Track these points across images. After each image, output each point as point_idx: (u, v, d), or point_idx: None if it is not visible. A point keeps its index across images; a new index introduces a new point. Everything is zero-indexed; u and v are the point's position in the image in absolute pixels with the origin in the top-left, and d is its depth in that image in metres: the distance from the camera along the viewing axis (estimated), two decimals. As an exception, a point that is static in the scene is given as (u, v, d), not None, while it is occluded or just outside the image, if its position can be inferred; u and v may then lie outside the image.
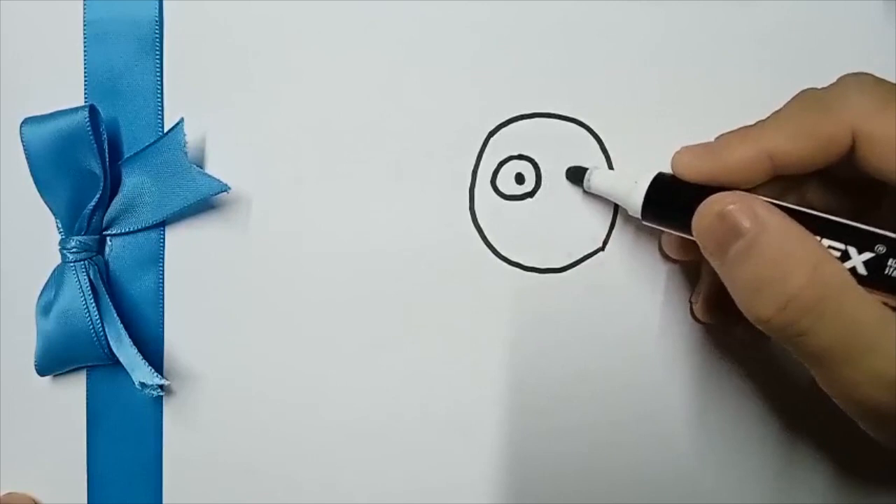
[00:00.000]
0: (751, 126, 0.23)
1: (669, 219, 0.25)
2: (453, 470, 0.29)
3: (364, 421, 0.29)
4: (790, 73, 0.29)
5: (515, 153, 0.29)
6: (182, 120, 0.27)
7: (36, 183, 0.27)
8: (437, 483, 0.29)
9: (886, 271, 0.21)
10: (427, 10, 0.29)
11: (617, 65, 0.29)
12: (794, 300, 0.20)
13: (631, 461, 0.29)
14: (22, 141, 0.27)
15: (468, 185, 0.29)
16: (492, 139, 0.29)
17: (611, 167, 0.29)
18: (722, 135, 0.24)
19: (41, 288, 0.28)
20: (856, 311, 0.20)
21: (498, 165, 0.29)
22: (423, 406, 0.29)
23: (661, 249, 0.28)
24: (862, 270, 0.21)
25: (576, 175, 0.28)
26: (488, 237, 0.28)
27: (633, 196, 0.25)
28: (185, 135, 0.27)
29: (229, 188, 0.27)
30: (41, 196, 0.28)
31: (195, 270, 0.29)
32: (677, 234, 0.25)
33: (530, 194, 0.29)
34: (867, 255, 0.21)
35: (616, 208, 0.28)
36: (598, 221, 0.29)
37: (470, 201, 0.29)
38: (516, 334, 0.28)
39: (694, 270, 0.28)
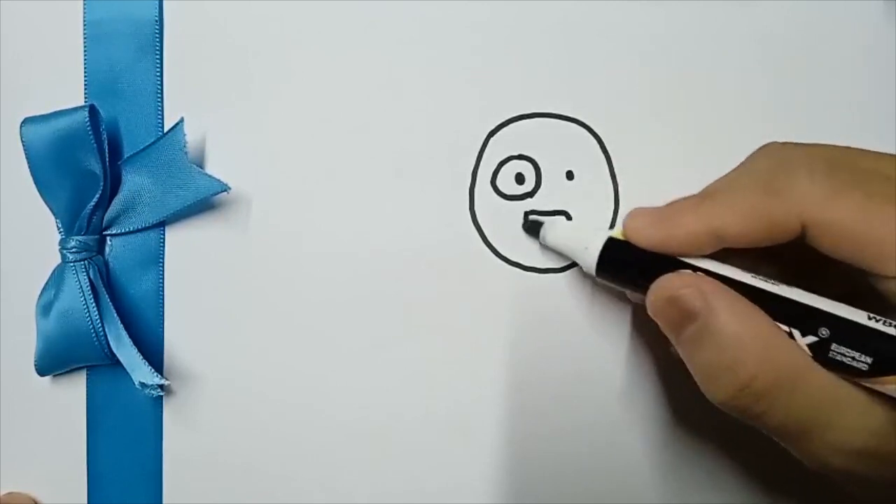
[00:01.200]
0: (703, 197, 0.23)
1: (623, 280, 0.25)
2: (453, 470, 0.29)
3: (364, 421, 0.29)
4: (790, 73, 0.29)
5: (515, 153, 0.29)
6: (182, 120, 0.27)
7: (36, 183, 0.27)
8: (436, 483, 0.29)
9: (830, 355, 0.21)
10: (427, 10, 0.29)
11: (617, 65, 0.29)
12: (746, 387, 0.20)
13: (631, 461, 0.29)
14: (22, 141, 0.27)
15: (468, 185, 0.29)
16: (492, 139, 0.29)
17: (611, 167, 0.29)
18: (675, 202, 0.24)
19: (41, 288, 0.28)
20: (810, 391, 0.20)
21: (498, 165, 0.29)
22: (423, 406, 0.29)
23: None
24: (807, 353, 0.21)
25: (532, 228, 0.28)
26: (488, 237, 0.28)
27: (587, 257, 0.25)
28: (185, 135, 0.27)
29: (229, 188, 0.27)
30: (41, 196, 0.28)
31: (195, 270, 0.29)
32: (632, 293, 0.25)
33: (530, 194, 0.29)
34: (811, 339, 0.21)
35: (616, 208, 0.28)
36: (598, 221, 0.29)
37: (470, 201, 0.29)
38: (516, 334, 0.28)
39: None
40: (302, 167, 0.29)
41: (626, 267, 0.24)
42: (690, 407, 0.29)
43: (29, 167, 0.27)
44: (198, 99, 0.29)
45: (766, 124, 0.29)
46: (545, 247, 0.28)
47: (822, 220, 0.21)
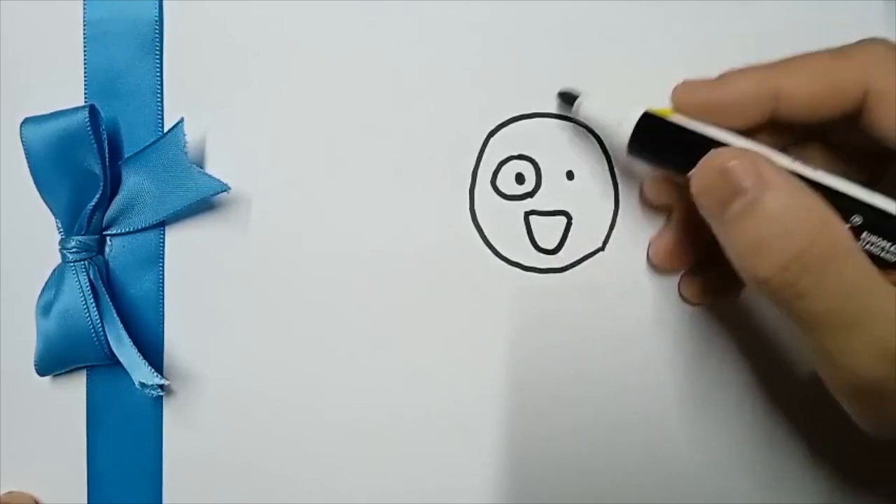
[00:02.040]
0: (763, 65, 0.22)
1: (656, 159, 0.24)
2: (453, 470, 0.29)
3: (364, 421, 0.29)
4: (790, 73, 0.29)
5: (515, 153, 0.29)
6: (182, 120, 0.27)
7: (36, 183, 0.27)
8: (436, 483, 0.29)
9: (861, 244, 0.20)
10: (427, 10, 0.29)
11: (617, 65, 0.29)
12: (797, 259, 0.19)
13: (631, 461, 0.29)
14: (22, 141, 0.27)
15: (468, 185, 0.29)
16: (492, 139, 0.29)
17: (611, 167, 0.29)
18: (728, 71, 0.23)
19: (41, 288, 0.28)
20: (859, 277, 0.19)
21: (498, 165, 0.29)
22: (423, 406, 0.29)
23: (641, 195, 0.28)
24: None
25: (566, 99, 0.27)
26: (488, 237, 0.28)
27: (619, 134, 0.24)
28: (185, 135, 0.27)
29: (229, 188, 0.27)
30: (41, 196, 0.28)
31: (195, 270, 0.29)
32: (662, 173, 0.24)
33: (530, 194, 0.29)
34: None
35: (616, 208, 0.28)
36: (598, 221, 0.29)
37: (470, 201, 0.29)
38: (516, 334, 0.28)
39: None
40: (302, 167, 0.29)
41: (662, 144, 0.23)
42: (691, 406, 0.29)
43: (29, 167, 0.27)
44: (198, 99, 0.29)
45: (766, 124, 0.29)
46: (576, 120, 0.27)
47: (885, 89, 0.20)
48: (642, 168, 0.28)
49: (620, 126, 0.24)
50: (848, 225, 0.20)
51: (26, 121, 0.27)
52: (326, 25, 0.29)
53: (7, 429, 0.29)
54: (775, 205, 0.20)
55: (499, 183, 0.29)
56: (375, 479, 0.29)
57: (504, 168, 0.29)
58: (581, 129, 0.29)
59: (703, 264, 0.27)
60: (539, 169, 0.29)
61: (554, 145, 0.29)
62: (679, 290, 0.28)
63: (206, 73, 0.29)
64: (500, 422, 0.28)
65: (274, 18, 0.29)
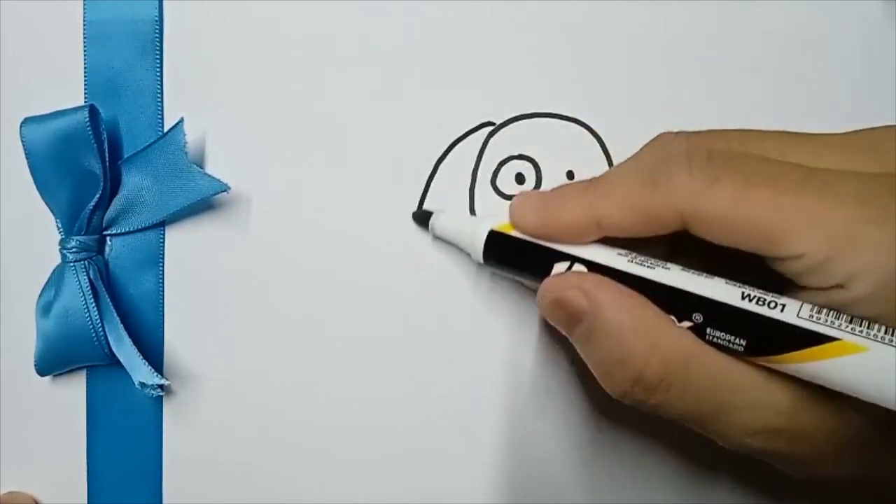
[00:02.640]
0: (588, 185, 0.23)
1: (510, 270, 0.25)
2: (453, 470, 0.28)
3: (364, 421, 0.29)
4: (790, 73, 0.29)
5: (515, 153, 0.29)
6: (182, 120, 0.27)
7: (36, 183, 0.27)
8: (436, 483, 0.29)
9: (707, 338, 0.21)
10: (427, 10, 0.29)
11: (617, 65, 0.29)
12: (637, 381, 0.20)
13: (630, 460, 0.29)
14: (22, 141, 0.27)
15: (468, 185, 0.29)
16: (492, 139, 0.29)
17: (611, 167, 0.29)
18: (562, 187, 0.24)
19: (41, 288, 0.28)
20: (703, 376, 0.20)
21: (498, 165, 0.29)
22: (423, 407, 0.29)
23: None
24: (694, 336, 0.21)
25: (421, 219, 0.28)
26: (488, 237, 0.28)
27: (474, 249, 0.25)
28: (185, 135, 0.27)
29: (229, 188, 0.27)
30: (41, 196, 0.28)
31: (195, 270, 0.29)
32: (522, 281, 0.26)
33: (530, 194, 0.29)
34: (686, 324, 0.21)
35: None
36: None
37: (470, 201, 0.29)
38: (516, 334, 0.28)
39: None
40: (302, 167, 0.29)
41: (510, 257, 0.25)
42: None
43: (29, 167, 0.27)
44: (198, 99, 0.29)
45: (766, 123, 0.28)
46: (436, 237, 0.28)
47: (701, 211, 0.20)
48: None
49: (473, 244, 0.25)
50: (690, 323, 0.21)
51: (26, 121, 0.27)
52: (326, 25, 0.29)
53: (7, 429, 0.29)
54: (609, 329, 0.21)
55: (499, 183, 0.29)
56: (375, 479, 0.29)
57: (504, 168, 0.29)
58: (581, 128, 0.29)
59: None
60: (539, 169, 0.29)
61: (554, 145, 0.29)
62: None
63: (206, 73, 0.29)
64: (500, 422, 0.28)
65: (274, 18, 0.29)
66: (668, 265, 0.22)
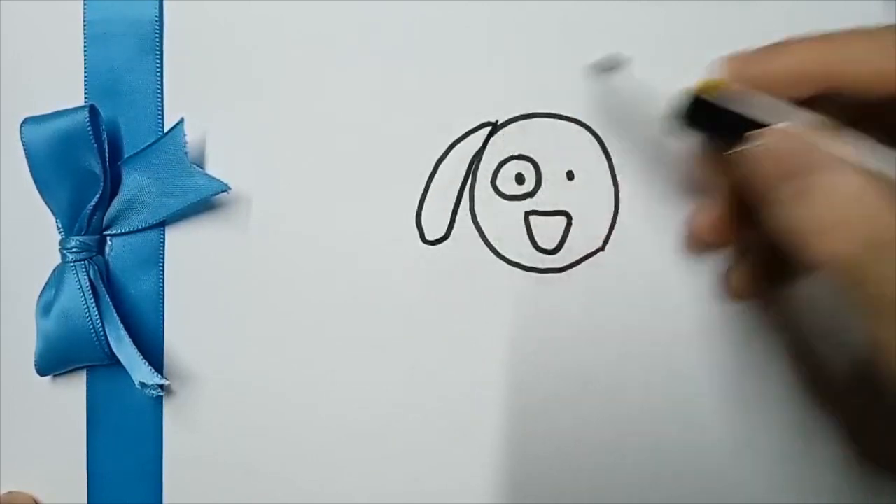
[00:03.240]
0: (819, 37, 0.22)
1: (704, 129, 0.23)
2: (453, 470, 0.28)
3: (364, 421, 0.29)
4: (790, 73, 0.29)
5: (515, 153, 0.29)
6: (182, 120, 0.27)
7: (36, 183, 0.27)
8: (437, 483, 0.29)
9: None
10: (427, 11, 0.29)
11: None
12: (866, 242, 0.19)
13: (630, 460, 0.29)
14: (22, 141, 0.27)
15: (468, 185, 0.29)
16: (492, 139, 0.29)
17: (611, 167, 0.29)
18: (782, 40, 0.22)
19: (41, 288, 0.28)
20: None
21: (498, 165, 0.29)
22: (423, 406, 0.29)
23: (688, 241, 0.28)
24: None
25: (605, 66, 0.26)
26: (488, 237, 0.28)
27: (666, 103, 0.23)
28: (185, 135, 0.27)
29: (229, 188, 0.27)
30: (41, 196, 0.28)
31: (195, 270, 0.29)
32: (706, 148, 0.23)
33: (530, 194, 0.29)
34: None
35: (616, 208, 0.28)
36: (598, 221, 0.29)
37: (470, 201, 0.29)
38: (516, 334, 0.28)
39: (694, 270, 0.28)
40: (302, 167, 0.29)
41: (713, 117, 0.22)
42: (690, 405, 0.29)
43: (29, 167, 0.27)
44: (198, 99, 0.29)
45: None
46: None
47: None
48: (643, 168, 0.28)
49: (666, 97, 0.23)
50: None
51: (26, 121, 0.27)
52: (326, 26, 0.29)
53: (7, 429, 0.29)
54: (835, 186, 0.19)
55: (499, 183, 0.29)
56: (375, 479, 0.29)
57: (504, 168, 0.29)
58: (581, 128, 0.29)
59: (747, 251, 0.26)
60: (539, 169, 0.29)
61: (554, 145, 0.29)
62: (726, 283, 0.28)
63: (206, 73, 0.29)
64: (499, 422, 0.28)
65: (274, 18, 0.29)
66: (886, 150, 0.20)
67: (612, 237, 0.28)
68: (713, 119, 0.23)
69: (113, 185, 0.28)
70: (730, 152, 0.22)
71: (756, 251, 0.26)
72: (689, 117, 0.23)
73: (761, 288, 0.27)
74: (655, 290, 0.28)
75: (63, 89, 0.29)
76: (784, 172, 0.20)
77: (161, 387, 0.27)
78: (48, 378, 0.29)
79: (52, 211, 0.28)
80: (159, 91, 0.29)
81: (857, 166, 0.19)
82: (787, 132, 0.20)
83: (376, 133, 0.29)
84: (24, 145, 0.27)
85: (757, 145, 0.21)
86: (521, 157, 0.29)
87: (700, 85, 0.23)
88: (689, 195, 0.28)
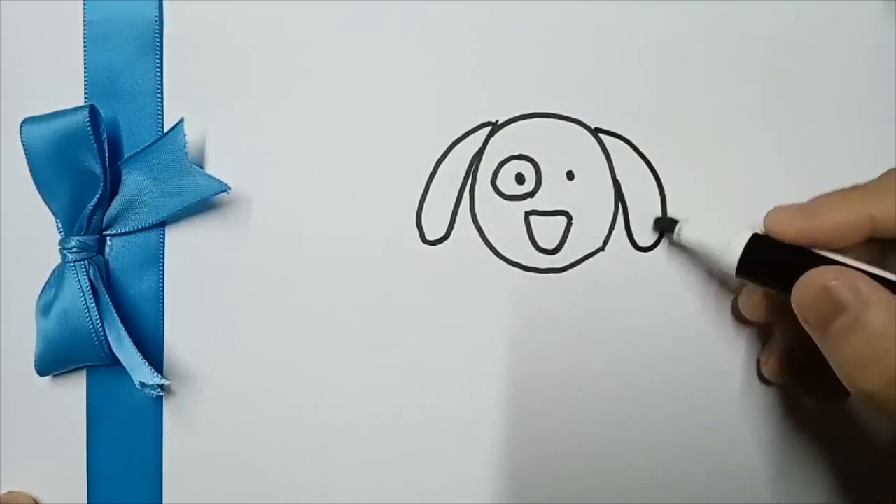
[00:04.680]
0: (855, 189, 0.24)
1: (764, 278, 0.25)
2: (453, 470, 0.28)
3: (364, 421, 0.29)
4: (790, 73, 0.29)
5: (515, 153, 0.29)
6: (182, 120, 0.27)
7: (36, 183, 0.27)
8: (437, 483, 0.29)
9: None
10: (427, 11, 0.29)
11: (617, 65, 0.29)
12: (894, 382, 0.20)
13: (630, 461, 0.29)
14: (22, 141, 0.27)
15: (468, 185, 0.29)
16: (492, 139, 0.29)
17: (611, 167, 0.29)
18: (819, 196, 0.25)
19: (41, 288, 0.28)
20: None
21: (498, 165, 0.29)
22: (423, 406, 0.29)
23: (734, 311, 0.28)
24: None
25: (664, 225, 0.28)
26: (488, 237, 0.28)
27: (728, 255, 0.25)
28: (185, 135, 0.27)
29: (229, 188, 0.27)
30: (41, 196, 0.28)
31: (195, 270, 0.29)
32: (769, 291, 0.25)
33: (530, 194, 0.29)
34: None
35: (616, 208, 0.28)
36: (598, 221, 0.29)
37: (470, 201, 0.29)
38: (516, 334, 0.28)
39: (702, 269, 0.28)
40: (302, 167, 0.29)
41: (769, 264, 0.24)
42: (689, 406, 0.29)
43: (29, 167, 0.27)
44: (198, 99, 0.29)
45: (766, 124, 0.29)
46: (678, 245, 0.27)
47: None
48: (643, 168, 0.28)
49: (729, 247, 0.25)
50: None
51: (26, 121, 0.27)
52: (326, 26, 0.29)
53: (7, 429, 0.29)
54: (877, 323, 0.21)
55: (499, 183, 0.29)
56: (375, 478, 0.29)
57: (504, 168, 0.29)
58: (581, 128, 0.29)
59: (812, 375, 0.27)
60: (539, 169, 0.29)
61: (554, 145, 0.29)
62: (759, 373, 0.29)
63: (206, 74, 0.29)
64: (500, 421, 0.28)
65: (274, 18, 0.29)
66: None
67: (612, 237, 0.28)
68: (773, 264, 0.24)
69: (113, 185, 0.28)
70: (784, 295, 0.24)
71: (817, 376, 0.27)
72: (752, 263, 0.25)
73: (793, 374, 0.28)
74: (655, 290, 0.28)
75: (63, 89, 0.29)
76: (830, 310, 0.22)
77: (161, 387, 0.27)
78: (48, 378, 0.29)
79: (52, 211, 0.28)
80: (159, 91, 0.29)
81: (894, 303, 0.21)
82: (831, 272, 0.22)
83: (376, 133, 0.29)
84: (24, 145, 0.27)
85: (805, 285, 0.23)
86: (521, 157, 0.29)
87: (752, 236, 0.25)
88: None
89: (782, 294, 0.24)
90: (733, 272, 0.25)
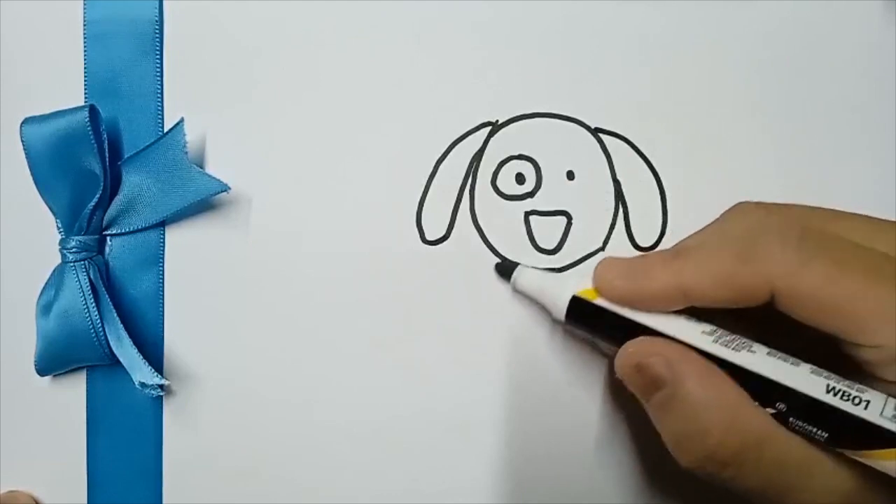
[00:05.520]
0: (676, 254, 0.23)
1: (591, 333, 0.25)
2: (453, 470, 0.28)
3: (364, 421, 0.29)
4: (790, 73, 0.29)
5: (515, 153, 0.29)
6: (182, 120, 0.27)
7: (36, 183, 0.27)
8: (437, 483, 0.29)
9: (789, 425, 0.21)
10: (428, 11, 0.29)
11: (617, 65, 0.29)
12: (712, 455, 0.21)
13: (630, 461, 0.29)
14: (22, 141, 0.27)
15: (468, 185, 0.29)
16: (492, 139, 0.29)
17: (612, 167, 0.29)
18: (647, 255, 0.25)
19: (41, 288, 0.28)
20: (776, 456, 0.21)
21: (498, 165, 0.29)
22: (423, 406, 0.29)
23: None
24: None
25: (502, 270, 0.28)
26: (488, 237, 0.28)
27: (555, 311, 0.25)
28: (185, 135, 0.27)
29: (229, 188, 0.27)
30: (41, 196, 0.28)
31: (195, 270, 0.29)
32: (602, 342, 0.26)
33: (530, 194, 0.29)
34: (769, 411, 0.21)
35: (616, 208, 0.28)
36: (598, 221, 0.29)
37: (470, 201, 0.29)
38: (516, 334, 0.28)
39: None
40: (302, 167, 0.29)
41: (592, 323, 0.25)
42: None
43: (29, 167, 0.27)
44: (198, 99, 0.29)
45: (766, 124, 0.29)
46: (516, 291, 0.28)
47: (791, 288, 0.21)
48: (643, 168, 0.28)
49: (555, 305, 0.25)
50: (773, 411, 0.21)
51: (26, 121, 0.27)
52: (326, 26, 0.29)
53: (7, 429, 0.29)
54: (689, 400, 0.21)
55: (499, 183, 0.29)
56: (375, 479, 0.29)
57: (504, 168, 0.29)
58: (581, 128, 0.29)
59: None
60: (539, 169, 0.29)
61: (554, 145, 0.29)
62: None
63: (206, 73, 0.29)
64: (500, 422, 0.28)
65: (274, 18, 0.29)
66: (754, 347, 0.22)
67: (612, 237, 0.28)
68: (595, 323, 0.25)
69: (113, 185, 0.28)
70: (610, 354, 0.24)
71: None
72: (576, 319, 0.25)
73: None
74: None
75: (63, 89, 0.29)
76: (647, 385, 0.22)
77: (161, 387, 0.27)
78: (48, 378, 0.29)
79: (52, 211, 0.28)
80: (159, 91, 0.29)
81: (710, 379, 0.21)
82: (647, 348, 0.23)
83: (376, 133, 0.29)
84: (24, 145, 0.27)
85: (622, 360, 0.23)
86: (521, 157, 0.29)
87: (582, 291, 0.25)
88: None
89: (612, 349, 0.24)
90: (562, 320, 0.25)
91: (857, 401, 0.20)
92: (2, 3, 0.29)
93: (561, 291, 0.25)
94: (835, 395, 0.20)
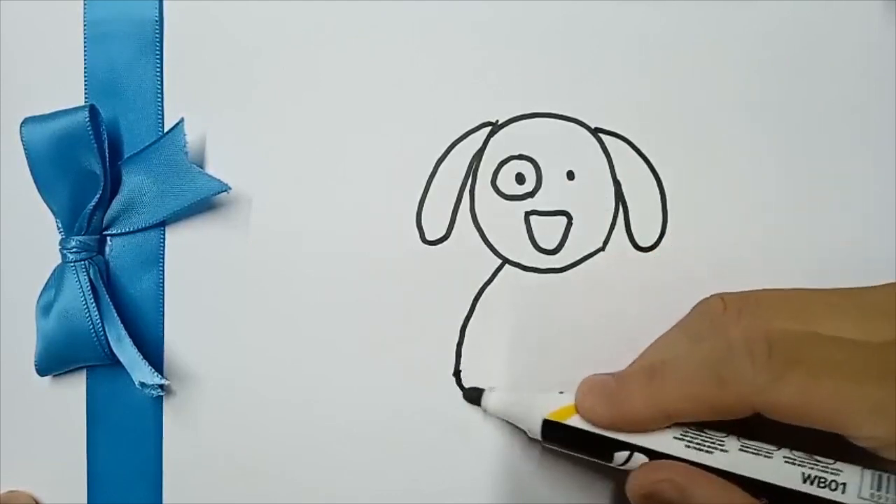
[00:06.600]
0: (652, 377, 0.24)
1: (567, 445, 0.26)
2: (453, 470, 0.28)
3: (364, 421, 0.29)
4: (790, 73, 0.29)
5: (515, 153, 0.29)
6: (182, 120, 0.27)
7: (36, 183, 0.27)
8: (437, 483, 0.29)
9: None
10: (428, 11, 0.29)
11: (617, 65, 0.29)
12: None
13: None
14: (22, 141, 0.27)
15: (468, 185, 0.29)
16: (492, 139, 0.29)
17: (611, 167, 0.29)
18: (624, 378, 0.25)
19: (41, 288, 0.28)
20: None
21: (498, 165, 0.29)
22: (423, 406, 0.29)
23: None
24: None
25: (471, 397, 0.28)
26: (488, 237, 0.28)
27: (532, 429, 0.26)
28: (185, 135, 0.27)
29: (229, 188, 0.27)
30: (41, 196, 0.28)
31: (195, 270, 0.29)
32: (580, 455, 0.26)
33: (530, 194, 0.29)
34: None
35: (616, 208, 0.28)
36: (598, 221, 0.29)
37: (470, 201, 0.29)
38: (516, 334, 0.28)
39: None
40: (302, 168, 0.29)
41: (568, 441, 0.25)
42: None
43: (29, 167, 0.27)
44: (198, 99, 0.29)
45: (766, 124, 0.29)
46: (488, 413, 0.28)
47: (770, 404, 0.22)
48: (643, 168, 0.28)
49: (529, 428, 0.26)
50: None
51: (26, 121, 0.27)
52: (327, 26, 0.29)
53: (7, 429, 0.29)
54: None
55: (499, 183, 0.29)
56: (375, 478, 0.29)
57: (504, 168, 0.29)
58: (581, 128, 0.29)
59: None
60: (539, 169, 0.29)
61: (554, 145, 0.29)
62: None
63: (206, 74, 0.29)
64: (499, 422, 0.28)
65: (274, 19, 0.29)
66: (726, 443, 0.23)
67: (612, 237, 0.28)
68: (571, 441, 0.25)
69: (113, 185, 0.28)
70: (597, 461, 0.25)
71: None
72: (552, 439, 0.26)
73: None
74: (655, 290, 0.28)
75: (63, 89, 0.29)
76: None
77: (161, 387, 0.27)
78: (48, 378, 0.29)
79: (52, 211, 0.28)
80: (159, 91, 0.29)
81: (718, 491, 0.22)
82: (651, 475, 0.23)
83: (376, 133, 0.29)
84: (24, 145, 0.27)
85: (632, 488, 0.24)
86: (521, 157, 0.29)
87: (552, 413, 0.25)
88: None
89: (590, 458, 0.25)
90: (539, 438, 0.26)
91: (833, 486, 0.21)
92: (2, 3, 0.29)
93: (531, 413, 0.26)
94: (811, 483, 0.21)
